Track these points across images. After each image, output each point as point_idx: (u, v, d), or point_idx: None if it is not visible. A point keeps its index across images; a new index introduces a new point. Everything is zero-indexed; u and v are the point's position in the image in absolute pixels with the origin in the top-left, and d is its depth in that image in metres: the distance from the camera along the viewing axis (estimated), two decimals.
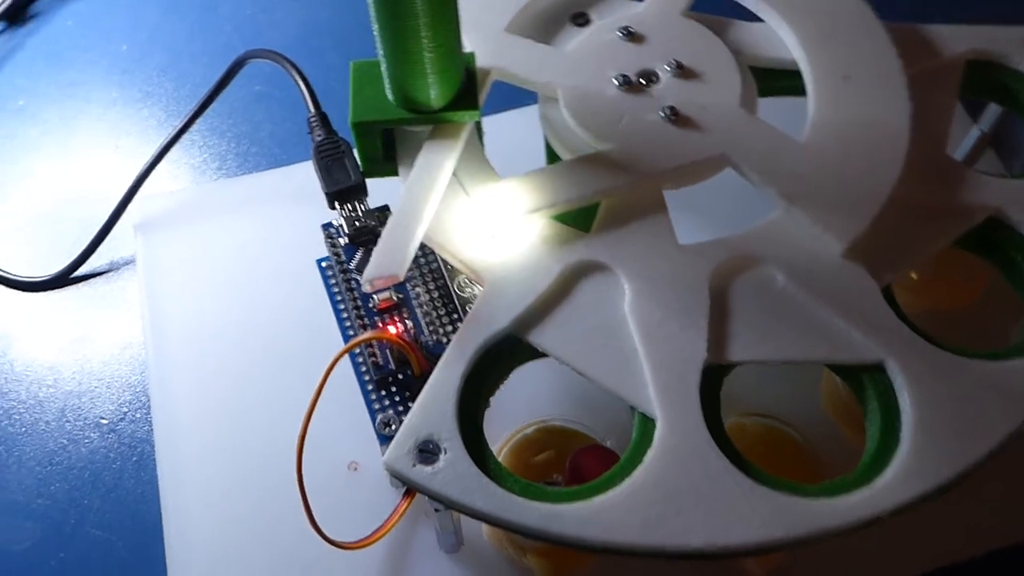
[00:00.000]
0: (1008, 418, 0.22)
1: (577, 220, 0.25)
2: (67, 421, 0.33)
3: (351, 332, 0.27)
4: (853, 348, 0.24)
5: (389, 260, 0.24)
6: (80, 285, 0.36)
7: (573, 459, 0.27)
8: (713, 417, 0.23)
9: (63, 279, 0.36)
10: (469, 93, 0.26)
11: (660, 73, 0.27)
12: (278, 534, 0.30)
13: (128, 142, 0.40)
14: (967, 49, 0.29)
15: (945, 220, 0.26)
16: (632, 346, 0.24)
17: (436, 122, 0.26)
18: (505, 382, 0.26)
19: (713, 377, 0.24)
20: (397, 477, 0.22)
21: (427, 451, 0.22)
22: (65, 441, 0.33)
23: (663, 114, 0.26)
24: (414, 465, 0.22)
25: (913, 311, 0.25)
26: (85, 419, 0.33)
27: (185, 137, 0.37)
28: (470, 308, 0.24)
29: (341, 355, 0.24)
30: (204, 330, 0.33)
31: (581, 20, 0.29)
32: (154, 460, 0.31)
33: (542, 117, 0.28)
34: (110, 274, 0.37)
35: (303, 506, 0.26)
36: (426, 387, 0.23)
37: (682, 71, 0.27)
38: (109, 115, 0.41)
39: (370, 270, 0.23)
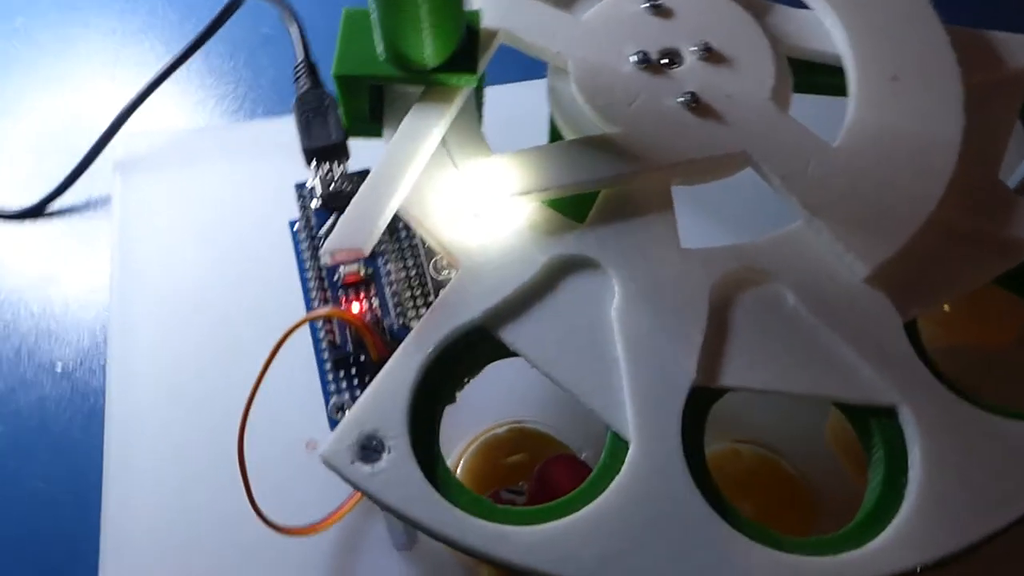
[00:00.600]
0: None
1: (571, 208, 0.23)
2: (21, 362, 0.31)
3: (315, 304, 0.25)
4: (863, 387, 0.21)
5: (354, 231, 0.21)
6: (54, 219, 0.35)
7: (542, 468, 0.25)
8: (694, 447, 0.20)
9: (37, 211, 0.34)
10: (468, 54, 0.24)
11: (685, 54, 0.24)
12: (223, 509, 0.27)
13: (125, 74, 0.38)
14: None
15: (988, 253, 0.23)
16: (613, 356, 0.21)
17: (428, 83, 0.23)
18: (480, 374, 0.23)
19: (700, 401, 0.21)
20: (335, 471, 0.20)
21: (369, 448, 0.20)
22: (16, 384, 0.31)
23: (682, 100, 0.23)
24: (352, 462, 0.20)
25: (938, 346, 0.22)
26: (40, 363, 0.31)
27: (182, 75, 0.35)
28: None
29: (291, 331, 0.22)
30: (172, 281, 0.31)
31: None
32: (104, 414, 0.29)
33: (549, 90, 0.25)
34: (86, 211, 0.35)
35: (242, 483, 0.24)
36: (378, 376, 0.21)
37: (710, 54, 0.24)
38: (108, 43, 0.39)
39: (332, 240, 0.21)
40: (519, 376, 0.26)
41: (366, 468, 0.20)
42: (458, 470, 0.27)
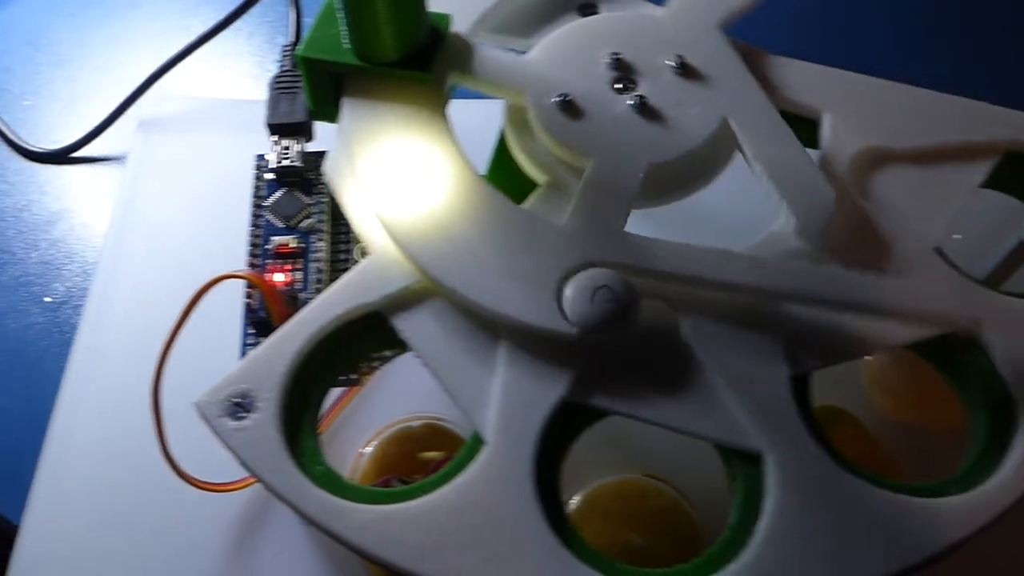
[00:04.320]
0: (879, 563, 0.19)
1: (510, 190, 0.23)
2: (18, 291, 0.34)
3: (251, 268, 0.26)
4: (735, 430, 0.20)
5: None
6: (79, 165, 0.37)
7: (436, 466, 0.25)
8: (551, 460, 0.20)
9: (63, 155, 0.37)
10: (428, 54, 0.24)
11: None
12: (154, 453, 0.29)
13: (178, 40, 0.40)
14: (1012, 138, 0.25)
15: (905, 320, 0.22)
16: (496, 358, 0.21)
17: (383, 75, 0.24)
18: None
19: (571, 417, 0.21)
20: (204, 421, 0.21)
21: (240, 405, 0.21)
22: (8, 308, 0.33)
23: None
24: (220, 415, 0.21)
25: (898, 420, 0.24)
26: (33, 294, 0.34)
27: (227, 47, 0.37)
28: None
29: (204, 289, 0.23)
30: (161, 239, 0.33)
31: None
32: None
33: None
34: (108, 162, 0.37)
35: (155, 430, 0.25)
36: (268, 339, 0.22)
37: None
38: (172, 9, 0.42)
39: None
40: None
41: (231, 423, 0.21)
42: (368, 449, 0.27)
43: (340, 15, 0.24)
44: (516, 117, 0.25)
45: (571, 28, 0.25)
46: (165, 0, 0.42)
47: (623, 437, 0.29)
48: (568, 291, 0.21)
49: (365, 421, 0.29)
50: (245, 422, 0.21)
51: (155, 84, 0.36)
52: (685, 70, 0.24)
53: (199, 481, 0.26)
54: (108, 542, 0.28)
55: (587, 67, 0.24)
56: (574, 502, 0.26)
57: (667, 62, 0.24)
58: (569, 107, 0.24)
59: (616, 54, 0.24)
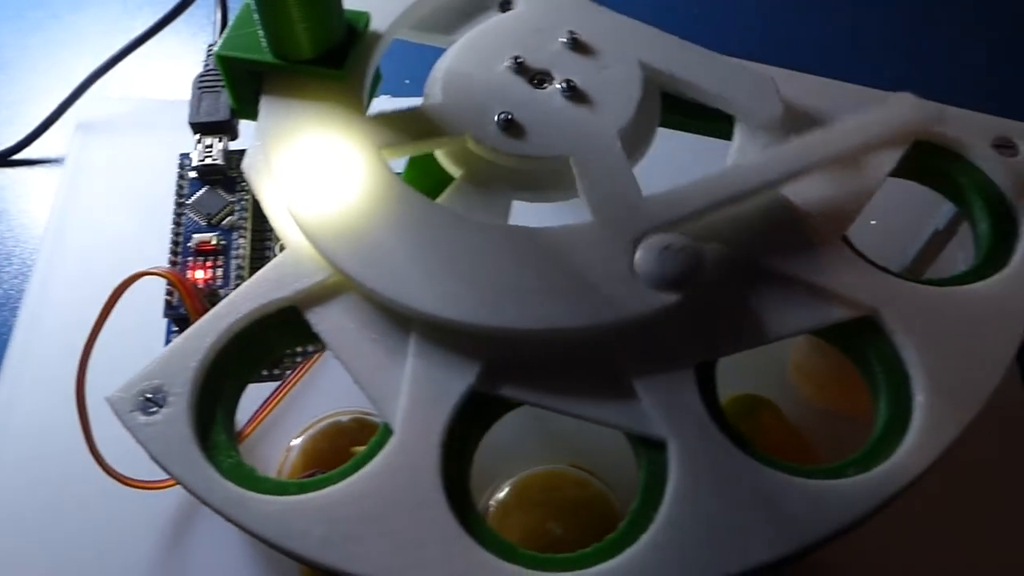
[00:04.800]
0: (774, 544, 0.19)
1: (425, 186, 0.23)
2: None
3: (172, 265, 0.26)
4: (639, 417, 0.21)
5: None
6: (18, 168, 0.37)
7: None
8: (458, 449, 0.21)
9: (1, 159, 0.37)
10: (342, 51, 0.25)
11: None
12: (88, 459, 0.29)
13: (119, 42, 0.41)
14: (919, 127, 0.25)
15: (807, 307, 0.22)
16: (406, 350, 0.22)
17: (299, 73, 0.25)
18: None
19: (482, 407, 0.21)
20: (116, 416, 0.21)
21: (151, 400, 0.21)
22: None
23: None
24: (132, 410, 0.21)
25: (823, 408, 0.25)
26: None
27: (170, 47, 0.37)
28: None
29: (121, 287, 0.23)
30: (99, 241, 0.33)
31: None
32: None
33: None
34: (49, 165, 0.37)
35: (81, 428, 0.25)
36: (182, 335, 0.22)
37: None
38: (111, 13, 0.42)
39: None
40: None
41: (141, 418, 0.21)
42: (297, 442, 0.27)
43: (255, 14, 0.24)
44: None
45: (459, 53, 0.25)
46: (107, 3, 0.42)
47: (553, 428, 0.29)
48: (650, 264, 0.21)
49: (297, 416, 0.29)
50: (156, 416, 0.21)
51: (93, 86, 0.36)
52: (579, 44, 0.25)
53: (126, 478, 0.26)
54: (44, 543, 0.28)
55: (501, 80, 0.25)
56: (503, 492, 0.27)
57: (560, 40, 0.25)
58: (511, 125, 0.24)
59: (516, 58, 0.25)
